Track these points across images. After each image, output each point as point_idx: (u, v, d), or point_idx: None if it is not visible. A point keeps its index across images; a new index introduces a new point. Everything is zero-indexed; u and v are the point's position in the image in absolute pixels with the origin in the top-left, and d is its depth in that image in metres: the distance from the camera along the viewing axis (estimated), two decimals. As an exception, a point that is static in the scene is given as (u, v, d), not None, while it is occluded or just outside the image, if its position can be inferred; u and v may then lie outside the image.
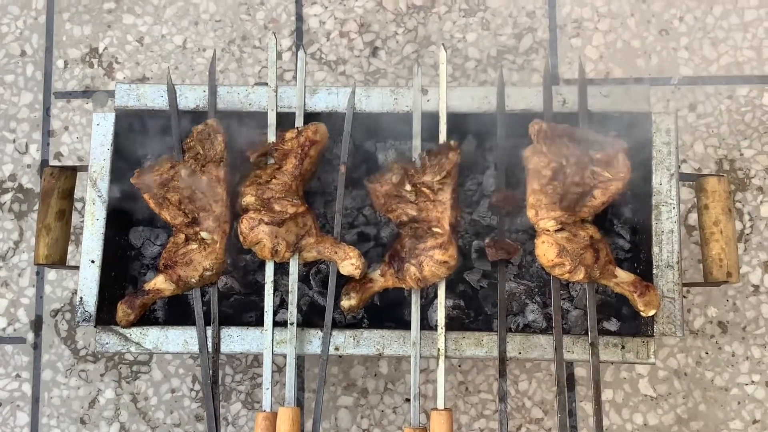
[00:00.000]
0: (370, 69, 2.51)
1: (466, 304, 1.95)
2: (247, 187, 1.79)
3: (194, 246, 1.76)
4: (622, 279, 1.75)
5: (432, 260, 1.71)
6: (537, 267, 1.97)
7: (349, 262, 1.74)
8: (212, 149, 1.81)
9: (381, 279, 1.78)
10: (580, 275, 1.72)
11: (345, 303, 1.78)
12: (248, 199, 1.78)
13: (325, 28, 2.55)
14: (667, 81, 2.40)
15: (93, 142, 1.91)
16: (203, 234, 1.77)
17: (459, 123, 1.89)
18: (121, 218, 1.99)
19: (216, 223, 1.77)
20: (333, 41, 2.52)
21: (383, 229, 2.00)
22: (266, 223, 1.73)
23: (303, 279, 1.98)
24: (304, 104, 1.88)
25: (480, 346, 1.77)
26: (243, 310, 1.99)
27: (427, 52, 2.46)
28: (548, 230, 1.73)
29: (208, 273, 1.75)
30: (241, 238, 1.77)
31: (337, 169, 1.97)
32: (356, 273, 1.74)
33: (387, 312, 1.96)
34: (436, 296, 1.87)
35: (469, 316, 1.96)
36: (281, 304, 1.96)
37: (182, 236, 1.78)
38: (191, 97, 1.91)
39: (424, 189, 1.76)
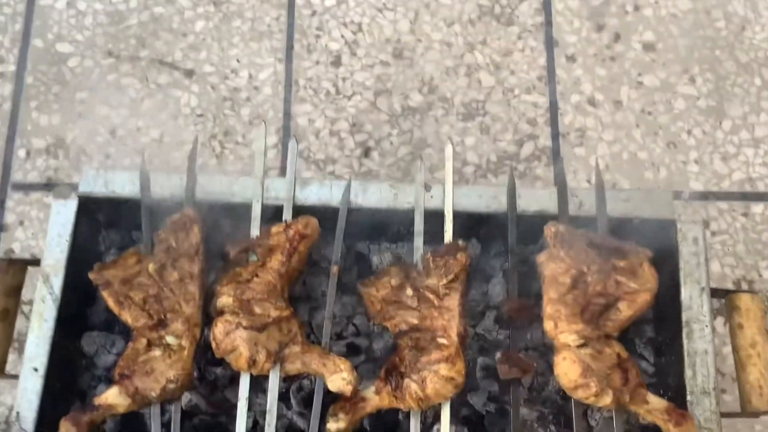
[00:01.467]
0: (361, 170, 2.38)
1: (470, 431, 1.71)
2: (224, 286, 1.59)
3: (157, 353, 1.54)
4: (655, 405, 1.54)
5: (437, 376, 1.50)
6: (550, 390, 1.76)
7: (340, 377, 1.52)
8: (186, 241, 1.62)
9: (375, 398, 1.55)
10: (607, 399, 1.51)
11: (332, 426, 1.54)
12: (224, 300, 1.58)
13: (315, 126, 2.44)
14: (678, 195, 2.30)
15: (50, 232, 1.72)
16: (169, 338, 1.54)
17: (464, 224, 1.74)
18: (74, 321, 1.76)
19: (185, 326, 1.55)
20: (322, 140, 2.41)
21: (376, 341, 1.80)
22: (245, 328, 1.52)
23: (281, 397, 1.73)
24: (294, 196, 1.71)
25: (492, 480, 1.52)
26: (208, 434, 1.73)
27: (425, 154, 2.35)
28: (569, 345, 1.53)
29: (171, 386, 1.52)
30: (213, 345, 1.55)
31: (326, 271, 1.79)
32: (347, 389, 1.51)
33: (379, 439, 1.72)
34: (435, 421, 1.64)
35: (474, 447, 1.72)
36: (254, 428, 1.70)
37: (144, 341, 1.55)
38: (167, 186, 1.75)
39: (428, 294, 1.58)
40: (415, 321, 1.59)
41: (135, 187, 1.76)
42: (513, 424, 1.58)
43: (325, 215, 1.73)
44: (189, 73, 2.50)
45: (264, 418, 1.64)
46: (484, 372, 1.77)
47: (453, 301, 1.57)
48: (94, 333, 1.83)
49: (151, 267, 1.63)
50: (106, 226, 1.78)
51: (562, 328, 1.57)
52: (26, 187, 2.38)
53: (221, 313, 1.61)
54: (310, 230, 1.63)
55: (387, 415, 1.70)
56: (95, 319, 1.84)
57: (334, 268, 1.67)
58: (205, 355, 1.77)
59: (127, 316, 1.60)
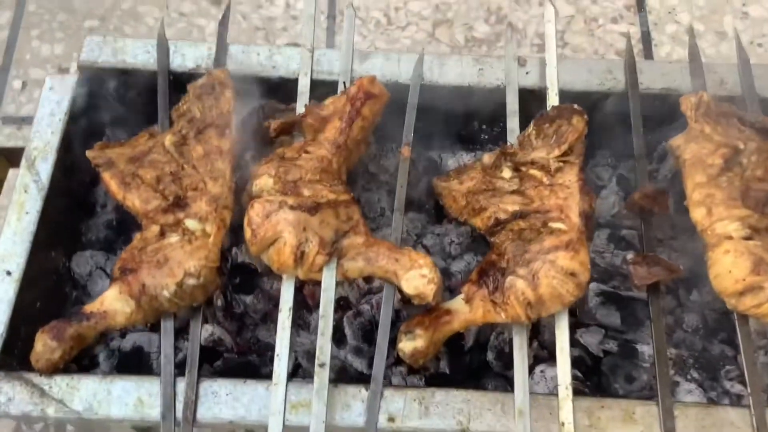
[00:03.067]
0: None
1: (584, 377, 1.29)
2: (263, 166, 1.22)
3: (174, 238, 1.16)
4: None
5: (554, 268, 1.11)
6: (685, 328, 1.34)
7: (418, 273, 1.13)
8: (216, 108, 1.27)
9: (465, 308, 1.16)
10: (790, 306, 1.10)
11: (407, 345, 1.14)
12: (263, 182, 1.21)
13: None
14: None
15: (40, 109, 1.36)
16: (189, 223, 1.17)
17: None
18: (63, 228, 1.38)
19: (211, 207, 1.18)
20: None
21: (456, 263, 1.40)
22: (291, 208, 1.14)
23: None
24: (351, 69, 1.36)
25: (630, 421, 1.10)
26: (235, 375, 1.32)
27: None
28: (731, 236, 1.14)
29: (191, 281, 1.13)
30: (248, 234, 1.18)
31: (386, 185, 1.42)
32: (429, 291, 1.12)
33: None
34: (537, 362, 1.24)
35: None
36: (294, 372, 1.30)
37: (156, 229, 1.18)
38: (190, 55, 1.41)
39: (534, 171, 1.20)
40: (517, 207, 1.21)
41: (150, 56, 1.41)
42: (655, 344, 1.16)
43: (392, 96, 1.37)
44: (217, 0, 2.19)
45: (306, 360, 1.25)
46: (599, 300, 1.35)
47: (570, 176, 1.20)
48: (88, 252, 1.45)
49: (168, 140, 1.27)
50: (112, 104, 1.42)
51: (719, 215, 1.18)
52: (18, 121, 2.04)
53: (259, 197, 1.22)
54: (377, 89, 1.26)
55: (470, 353, 1.29)
56: (92, 235, 1.46)
57: (404, 150, 1.29)
58: (231, 280, 1.38)
59: (134, 199, 1.23)
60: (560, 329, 1.18)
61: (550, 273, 1.15)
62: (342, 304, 1.40)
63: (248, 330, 1.42)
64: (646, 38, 2.12)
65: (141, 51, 1.42)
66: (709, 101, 1.31)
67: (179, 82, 1.40)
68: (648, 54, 2.12)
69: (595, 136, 1.47)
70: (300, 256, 1.19)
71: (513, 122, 1.35)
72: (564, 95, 1.37)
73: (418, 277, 1.17)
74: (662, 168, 1.50)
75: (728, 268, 1.17)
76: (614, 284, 1.40)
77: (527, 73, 1.42)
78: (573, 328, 1.39)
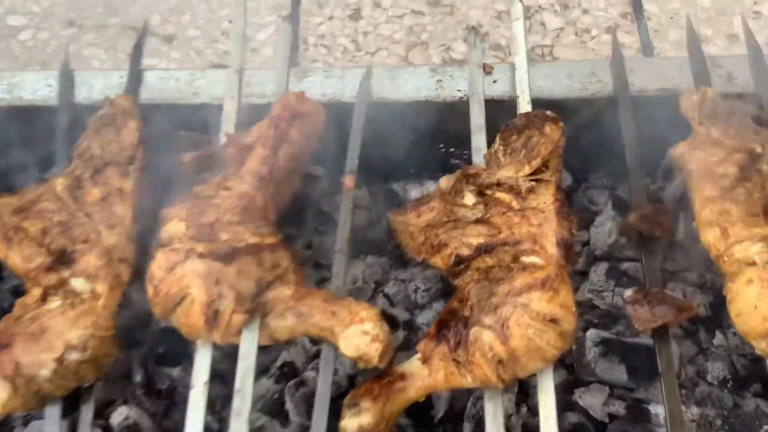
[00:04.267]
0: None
1: (585, 449, 1.05)
2: (174, 208, 1.00)
3: (54, 303, 0.94)
4: None
5: (527, 314, 0.87)
6: (711, 381, 1.09)
7: (360, 329, 0.90)
8: (117, 143, 1.06)
9: (422, 371, 0.92)
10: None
11: (351, 423, 0.92)
12: (173, 227, 1.00)
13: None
14: None
15: None
16: (75, 282, 0.95)
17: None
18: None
19: (102, 261, 0.96)
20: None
21: (422, 314, 1.17)
22: (200, 257, 0.92)
23: (270, 408, 1.10)
24: (287, 90, 1.16)
25: None
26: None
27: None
28: (754, 262, 0.89)
29: (74, 356, 0.92)
30: (150, 291, 0.95)
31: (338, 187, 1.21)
32: (373, 351, 0.89)
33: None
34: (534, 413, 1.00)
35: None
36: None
37: (37, 293, 0.96)
38: (98, 86, 1.21)
39: (501, 194, 0.97)
40: (483, 239, 0.97)
41: (52, 89, 1.22)
42: (669, 417, 0.91)
43: (338, 118, 1.16)
44: (168, 39, 2.01)
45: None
46: (599, 350, 1.11)
47: (545, 197, 0.97)
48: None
49: (59, 184, 1.06)
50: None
51: (736, 236, 0.94)
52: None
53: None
54: (306, 107, 1.05)
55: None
56: (-4, 304, 1.25)
57: (348, 181, 1.07)
58: (154, 351, 1.16)
59: (15, 257, 1.01)
60: (544, 392, 0.94)
61: (523, 320, 0.91)
62: (286, 372, 1.17)
63: (177, 410, 1.18)
64: (648, 48, 1.87)
65: (42, 84, 1.24)
66: (715, 98, 1.08)
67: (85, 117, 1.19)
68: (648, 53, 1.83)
69: (584, 153, 1.25)
70: (213, 316, 0.96)
71: (479, 139, 1.13)
72: (539, 104, 1.15)
73: (358, 335, 0.94)
74: (669, 186, 1.26)
75: (753, 303, 0.92)
76: (618, 330, 1.16)
77: (495, 81, 1.20)
78: (569, 387, 1.14)
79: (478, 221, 1.03)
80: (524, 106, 1.14)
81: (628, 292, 1.00)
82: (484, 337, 0.93)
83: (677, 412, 0.93)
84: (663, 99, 1.16)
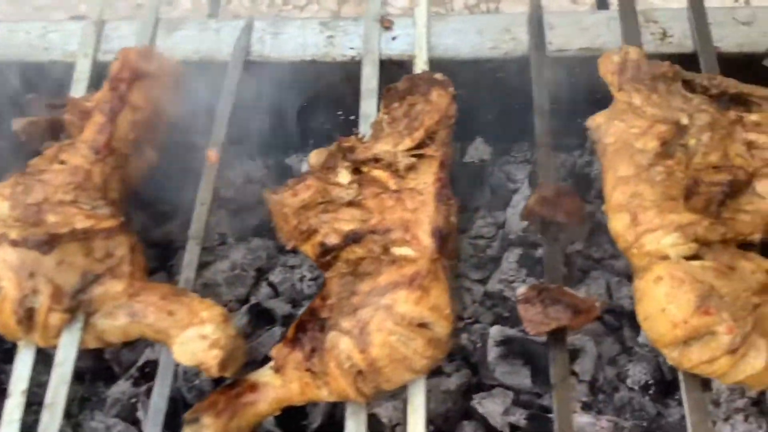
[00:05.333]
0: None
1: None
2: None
3: None
4: None
5: (390, 317, 0.72)
6: (630, 385, 0.96)
7: (197, 332, 0.76)
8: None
9: (277, 381, 0.78)
10: (759, 361, 0.72)
11: (187, 441, 0.76)
12: (-5, 207, 0.84)
13: None
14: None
15: None
16: None
17: (455, 80, 0.99)
18: None
19: None
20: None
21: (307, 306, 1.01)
22: (13, 244, 0.77)
23: (127, 415, 0.97)
24: (152, 44, 1.00)
25: None
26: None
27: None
28: (666, 255, 0.75)
29: None
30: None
31: (228, 204, 1.07)
32: (211, 360, 0.76)
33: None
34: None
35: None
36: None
37: None
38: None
39: (378, 172, 0.82)
40: (355, 224, 0.83)
41: None
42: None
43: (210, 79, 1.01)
44: None
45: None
46: (501, 351, 0.97)
47: (426, 176, 0.81)
48: None
49: None
50: None
51: (648, 224, 0.80)
52: None
53: (-13, 229, 0.86)
54: (154, 65, 0.89)
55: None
56: None
57: (211, 153, 0.92)
58: None
59: None
60: (413, 409, 0.80)
61: (385, 325, 0.77)
62: (147, 372, 1.03)
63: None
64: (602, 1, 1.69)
65: None
66: (639, 60, 0.93)
67: None
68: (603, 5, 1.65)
69: (505, 122, 1.10)
70: (26, 315, 0.81)
71: (369, 105, 0.99)
72: (440, 65, 0.99)
73: (196, 340, 0.80)
74: (597, 161, 1.11)
75: (661, 305, 0.78)
76: (523, 328, 1.01)
77: (394, 38, 1.04)
78: (469, 391, 1.01)
79: (351, 203, 0.89)
80: (420, 68, 0.98)
81: (521, 289, 0.86)
82: (341, 344, 0.79)
83: (567, 430, 0.80)
84: (587, 60, 1.01)
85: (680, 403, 1.01)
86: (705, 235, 0.83)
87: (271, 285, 1.12)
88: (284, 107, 1.14)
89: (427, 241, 0.81)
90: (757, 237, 0.86)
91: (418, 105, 0.88)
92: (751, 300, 0.78)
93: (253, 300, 1.10)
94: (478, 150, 1.20)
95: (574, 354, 1.03)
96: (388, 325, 0.78)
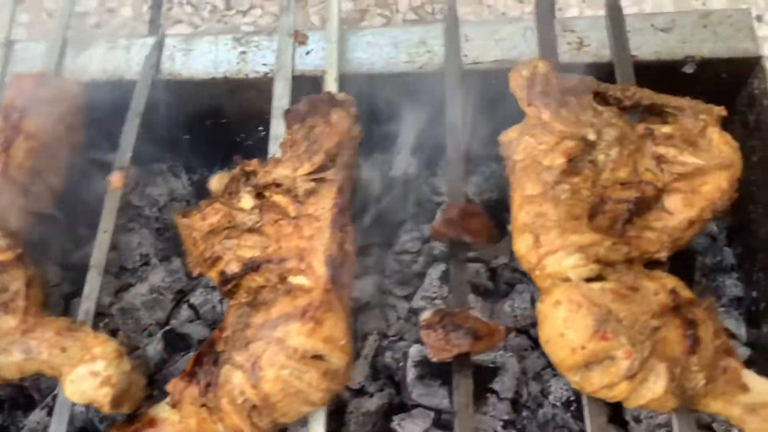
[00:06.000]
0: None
1: (400, 488, 0.91)
2: None
3: None
4: (763, 394, 0.73)
5: (282, 351, 0.71)
6: (554, 402, 0.95)
7: (88, 370, 0.74)
8: None
9: (174, 416, 0.76)
10: (658, 385, 0.71)
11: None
12: None
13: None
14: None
15: None
16: None
17: (371, 95, 0.97)
18: None
19: None
20: None
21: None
22: None
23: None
24: (60, 65, 0.98)
25: None
26: None
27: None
28: (568, 277, 0.74)
29: None
30: None
31: (150, 222, 1.06)
32: (101, 398, 0.74)
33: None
34: None
35: None
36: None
37: None
38: None
39: (278, 197, 0.80)
40: (255, 252, 0.81)
41: None
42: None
43: (120, 97, 0.99)
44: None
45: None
46: (420, 371, 0.96)
47: (324, 202, 0.79)
48: None
49: None
50: None
51: (549, 245, 0.78)
52: None
53: None
54: (48, 91, 0.87)
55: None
56: None
57: (115, 177, 0.90)
58: None
59: None
60: (312, 441, 0.78)
61: (277, 359, 0.75)
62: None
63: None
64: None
65: None
66: (548, 73, 0.91)
67: None
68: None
69: (425, 135, 1.08)
70: None
71: (279, 125, 0.96)
72: (350, 81, 0.97)
73: (87, 377, 0.79)
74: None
75: (560, 330, 0.77)
76: (441, 347, 1.00)
77: (308, 53, 1.02)
78: (390, 412, 1.00)
79: (252, 230, 0.87)
80: (331, 83, 0.97)
81: (425, 314, 0.84)
82: (234, 378, 0.78)
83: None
84: (501, 72, 0.99)
85: (611, 420, 1.01)
86: (607, 255, 0.81)
87: (191, 307, 1.10)
88: (202, 124, 1.13)
89: (321, 270, 0.79)
90: (663, 255, 0.85)
91: (318, 127, 0.86)
92: (650, 323, 0.77)
93: (173, 323, 1.09)
94: (405, 163, 1.18)
95: (495, 372, 1.02)
96: (280, 359, 0.77)
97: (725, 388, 0.78)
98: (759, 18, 1.58)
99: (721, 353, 0.79)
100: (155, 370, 1.06)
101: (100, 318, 1.11)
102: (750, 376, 0.79)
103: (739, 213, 1.08)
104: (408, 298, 1.11)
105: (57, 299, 1.13)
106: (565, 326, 0.78)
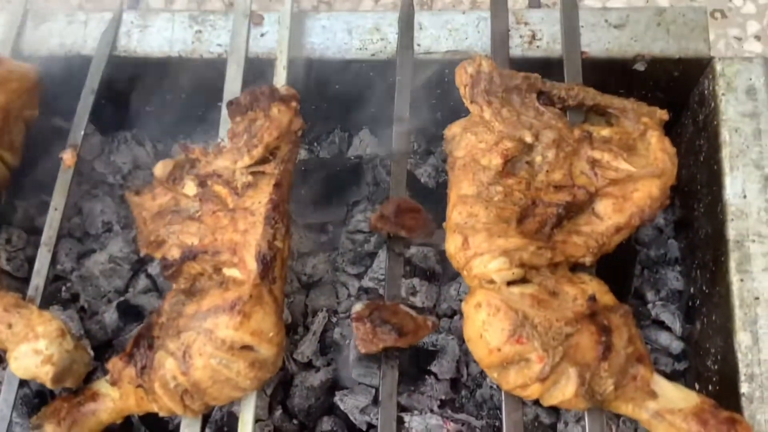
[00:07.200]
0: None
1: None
2: None
3: None
4: (671, 401, 0.77)
5: (211, 342, 0.75)
6: (490, 384, 0.99)
7: (32, 347, 0.78)
8: None
9: (114, 393, 0.81)
10: (568, 388, 0.75)
11: (28, 449, 0.80)
12: None
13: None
14: (718, 13, 1.51)
15: None
16: None
17: (322, 80, 0.99)
18: None
19: None
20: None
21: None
22: None
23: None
24: (17, 39, 0.99)
25: None
26: None
27: None
28: (491, 279, 0.77)
29: None
30: None
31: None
32: (44, 375, 0.78)
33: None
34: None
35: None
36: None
37: None
38: None
39: (219, 188, 0.83)
40: (195, 240, 0.84)
41: None
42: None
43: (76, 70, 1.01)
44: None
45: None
46: (356, 353, 1.00)
47: (260, 196, 0.82)
48: None
49: None
50: None
51: (477, 247, 0.81)
52: None
53: None
54: (3, 72, 0.90)
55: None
56: None
57: (68, 155, 0.93)
58: None
59: None
60: (243, 424, 0.84)
61: (206, 349, 0.80)
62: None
63: None
64: None
65: None
66: (492, 71, 0.93)
67: None
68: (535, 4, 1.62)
69: (384, 116, 1.10)
70: None
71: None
72: (302, 66, 0.99)
73: (30, 355, 0.83)
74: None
75: (479, 331, 0.81)
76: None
77: (262, 35, 1.04)
78: (334, 387, 1.05)
79: (193, 217, 0.90)
80: (280, 71, 0.98)
81: (356, 306, 0.88)
82: (166, 364, 0.83)
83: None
84: (453, 64, 1.00)
85: (535, 403, 1.06)
86: (531, 260, 0.84)
87: (149, 277, 1.14)
88: (162, 97, 1.15)
89: (252, 264, 0.83)
90: (588, 260, 0.88)
91: (259, 120, 0.89)
92: (564, 330, 0.81)
93: (130, 292, 1.13)
94: (363, 142, 1.20)
95: (434, 354, 1.06)
96: (209, 349, 0.81)
97: (634, 393, 0.82)
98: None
99: (632, 360, 0.82)
100: (112, 336, 1.11)
101: (63, 281, 1.15)
102: (660, 383, 0.83)
103: (686, 208, 1.10)
104: (359, 276, 1.14)
105: (21, 262, 1.17)
106: (484, 328, 0.82)
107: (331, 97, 1.11)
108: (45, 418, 0.88)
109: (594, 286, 0.86)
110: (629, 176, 0.89)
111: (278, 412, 1.05)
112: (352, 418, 1.04)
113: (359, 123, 1.18)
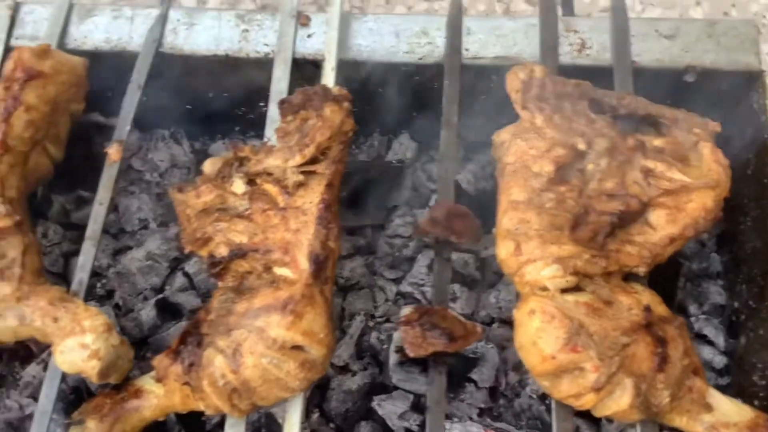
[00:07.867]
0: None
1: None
2: None
3: None
4: (726, 415, 0.76)
5: (262, 341, 0.74)
6: (529, 393, 0.98)
7: (78, 342, 0.77)
8: None
9: (158, 390, 0.80)
10: (624, 399, 0.74)
11: (70, 442, 0.80)
12: None
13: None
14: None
15: None
16: None
17: (365, 83, 0.99)
18: None
19: None
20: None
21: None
22: None
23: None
24: (64, 32, 0.99)
25: None
26: None
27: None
28: (544, 287, 0.76)
29: None
30: None
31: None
32: (90, 370, 0.78)
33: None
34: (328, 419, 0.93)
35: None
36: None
37: None
38: None
39: (269, 186, 0.83)
40: (244, 238, 0.83)
41: None
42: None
43: (121, 66, 1.01)
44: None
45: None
46: (397, 358, 0.99)
47: (312, 196, 0.82)
48: None
49: None
50: None
51: (530, 254, 0.80)
52: None
53: None
54: (48, 65, 0.89)
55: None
56: None
57: (113, 150, 0.93)
58: None
59: None
60: (289, 426, 0.83)
61: (257, 348, 0.79)
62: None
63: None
64: (568, 4, 1.63)
65: None
66: (545, 77, 0.92)
67: None
68: (568, 11, 1.61)
69: (425, 120, 1.10)
70: None
71: (276, 110, 0.97)
72: (349, 68, 0.98)
73: (76, 349, 0.83)
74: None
75: (533, 338, 0.80)
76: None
77: (309, 36, 1.03)
78: (371, 392, 1.04)
79: (242, 215, 0.89)
80: (328, 73, 0.98)
81: (404, 310, 0.87)
82: (216, 362, 0.82)
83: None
84: (502, 69, 0.99)
85: (576, 414, 1.05)
86: (585, 268, 0.83)
87: (186, 275, 1.14)
88: (204, 96, 1.14)
89: (304, 264, 0.82)
90: (642, 270, 0.87)
91: (311, 120, 0.88)
92: (620, 340, 0.80)
93: (167, 289, 1.12)
94: (403, 145, 1.19)
95: (475, 362, 1.05)
96: (260, 348, 0.80)
97: (690, 406, 0.81)
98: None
99: (688, 372, 0.81)
100: (148, 333, 1.10)
101: (98, 278, 1.15)
102: (715, 396, 0.82)
103: (730, 222, 1.10)
104: (397, 281, 1.13)
105: (57, 257, 1.16)
106: (538, 335, 0.81)
107: (373, 99, 1.10)
108: (87, 413, 0.87)
109: (647, 296, 0.85)
110: (683, 187, 0.88)
111: (315, 416, 1.04)
112: (390, 423, 1.03)
113: (400, 127, 1.17)
